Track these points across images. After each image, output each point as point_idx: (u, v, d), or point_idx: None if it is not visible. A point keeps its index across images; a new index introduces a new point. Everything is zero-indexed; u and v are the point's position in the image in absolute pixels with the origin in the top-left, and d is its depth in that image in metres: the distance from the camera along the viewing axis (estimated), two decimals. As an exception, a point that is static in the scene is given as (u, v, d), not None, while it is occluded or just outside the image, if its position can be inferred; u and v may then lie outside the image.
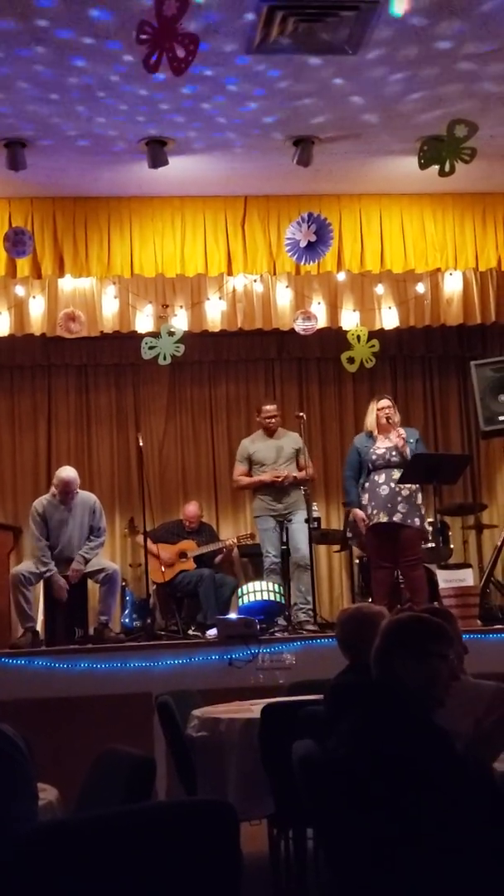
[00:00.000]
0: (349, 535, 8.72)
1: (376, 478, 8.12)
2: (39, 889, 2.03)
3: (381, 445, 8.22)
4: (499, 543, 9.22)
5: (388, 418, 8.26)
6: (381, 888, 2.74)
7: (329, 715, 3.85)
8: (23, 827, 2.09)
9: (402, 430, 8.22)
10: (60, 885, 2.04)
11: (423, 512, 8.19)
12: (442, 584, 8.15)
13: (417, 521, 8.08)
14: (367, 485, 8.18)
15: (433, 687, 3.13)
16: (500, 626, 8.03)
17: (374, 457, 8.18)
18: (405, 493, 8.05)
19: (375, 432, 8.28)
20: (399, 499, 8.03)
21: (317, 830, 2.97)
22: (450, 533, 9.86)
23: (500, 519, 10.68)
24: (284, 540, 9.07)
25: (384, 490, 8.06)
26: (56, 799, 2.63)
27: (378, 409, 8.35)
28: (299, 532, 8.83)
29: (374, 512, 8.07)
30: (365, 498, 8.17)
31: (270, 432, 9.27)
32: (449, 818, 2.80)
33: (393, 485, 8.04)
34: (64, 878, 2.03)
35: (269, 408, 9.40)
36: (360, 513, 8.23)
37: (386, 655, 3.19)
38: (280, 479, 8.93)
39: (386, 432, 8.24)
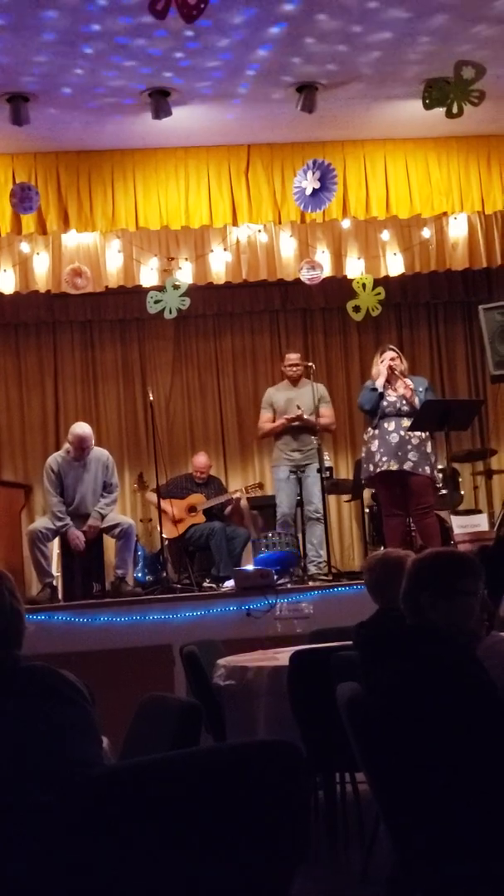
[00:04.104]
0: (363, 478, 8.65)
1: (386, 425, 8.06)
2: (112, 830, 2.05)
3: (392, 394, 8.17)
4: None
5: (393, 370, 8.20)
6: (429, 832, 2.75)
7: (363, 661, 3.86)
8: (93, 769, 2.10)
9: (409, 381, 8.17)
10: (132, 827, 2.06)
11: (433, 460, 8.15)
12: (457, 530, 8.14)
13: (428, 469, 8.06)
14: (376, 432, 8.12)
15: (466, 623, 3.07)
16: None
17: (384, 404, 8.11)
18: (415, 441, 8.01)
19: (383, 385, 8.11)
20: (409, 447, 7.99)
21: (366, 772, 2.97)
22: (460, 479, 9.86)
23: (510, 464, 10.69)
24: (299, 491, 9.07)
25: (394, 438, 8.01)
26: (108, 746, 2.66)
27: (382, 362, 8.27)
28: (313, 485, 8.83)
29: (384, 460, 8.02)
30: (374, 445, 8.10)
31: (294, 381, 9.23)
32: (495, 762, 2.78)
33: (403, 433, 7.99)
34: (136, 819, 2.05)
35: (291, 356, 9.39)
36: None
37: (414, 598, 3.12)
38: (292, 419, 8.89)
39: (393, 383, 8.19)
